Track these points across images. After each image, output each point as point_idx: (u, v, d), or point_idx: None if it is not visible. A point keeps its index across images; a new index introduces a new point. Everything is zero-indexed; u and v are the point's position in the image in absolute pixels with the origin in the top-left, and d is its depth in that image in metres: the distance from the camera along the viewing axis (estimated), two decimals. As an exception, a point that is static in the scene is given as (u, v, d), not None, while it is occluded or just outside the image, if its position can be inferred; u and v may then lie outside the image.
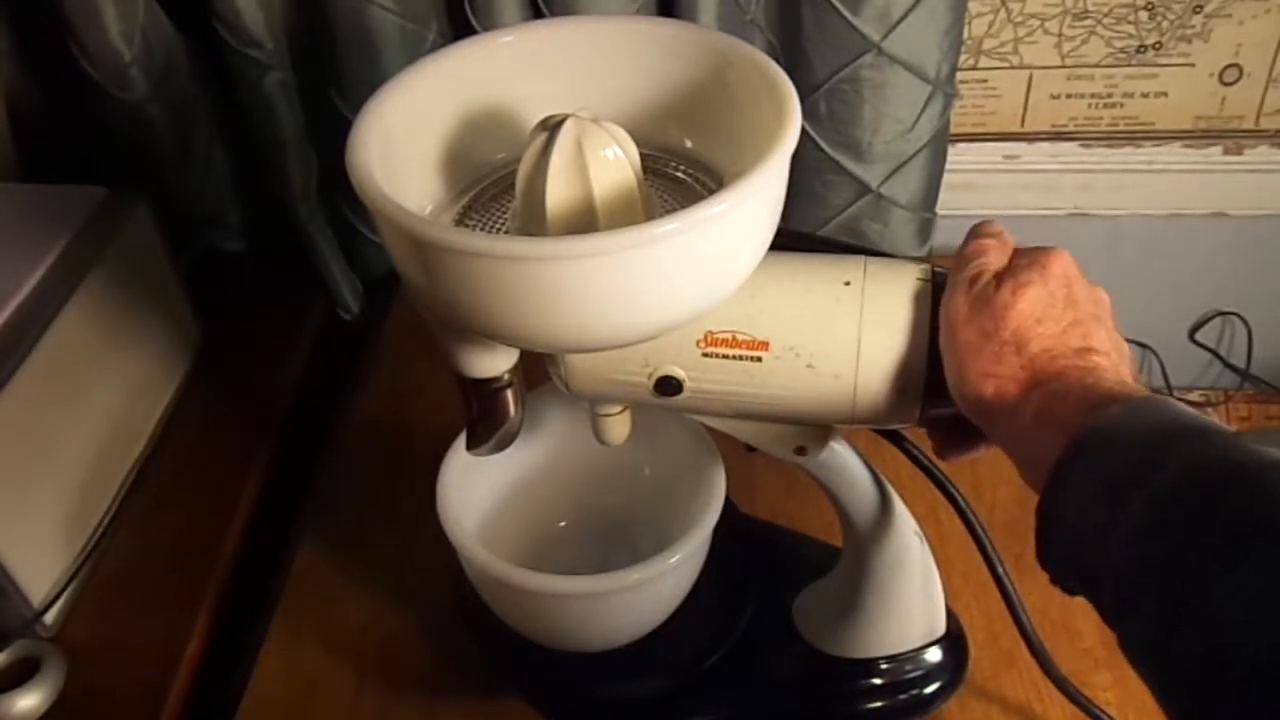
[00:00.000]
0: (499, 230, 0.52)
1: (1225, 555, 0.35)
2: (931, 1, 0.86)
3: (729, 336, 0.51)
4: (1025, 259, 0.48)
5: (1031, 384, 0.45)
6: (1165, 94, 1.03)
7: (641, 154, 0.48)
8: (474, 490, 0.64)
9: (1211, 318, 1.16)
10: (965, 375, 0.47)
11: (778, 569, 0.71)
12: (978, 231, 0.51)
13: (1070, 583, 0.42)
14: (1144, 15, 0.98)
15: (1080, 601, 0.42)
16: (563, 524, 0.73)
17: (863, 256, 0.52)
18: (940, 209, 1.00)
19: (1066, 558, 0.42)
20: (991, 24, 0.99)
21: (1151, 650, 0.37)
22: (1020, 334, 0.46)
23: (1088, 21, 0.99)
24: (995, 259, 0.49)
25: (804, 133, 0.76)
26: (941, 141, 0.96)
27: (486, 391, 0.54)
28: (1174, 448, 0.38)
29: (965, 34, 0.97)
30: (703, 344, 0.51)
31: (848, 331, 0.50)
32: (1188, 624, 0.35)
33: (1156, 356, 1.17)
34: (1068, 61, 1.01)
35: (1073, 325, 0.47)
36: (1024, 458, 0.45)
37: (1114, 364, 0.46)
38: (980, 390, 0.46)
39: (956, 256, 0.50)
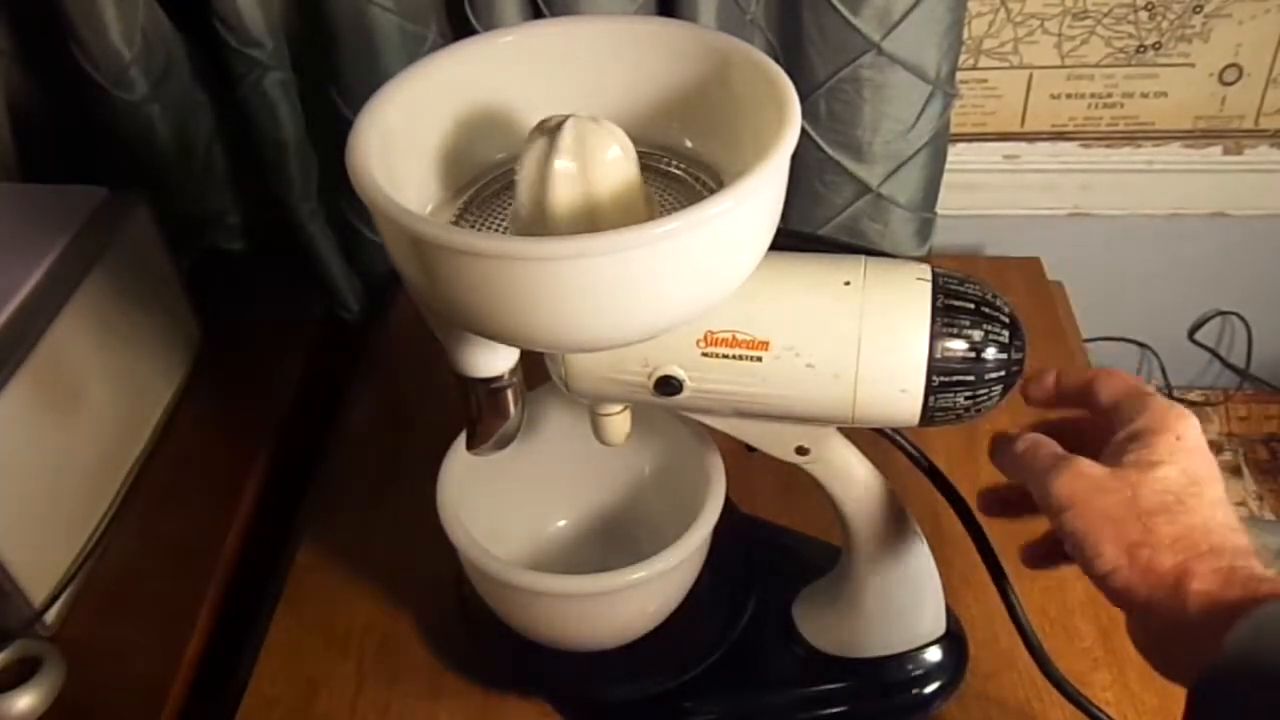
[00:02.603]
0: (499, 230, 0.52)
1: None
2: (931, 1, 0.86)
3: (729, 336, 0.51)
4: (1150, 423, 0.47)
5: (1188, 559, 0.43)
6: (1165, 94, 1.03)
7: (641, 153, 0.48)
8: (474, 490, 0.64)
9: (1211, 317, 1.16)
10: (1106, 549, 0.45)
11: (778, 569, 0.71)
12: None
13: None
14: (1144, 15, 0.98)
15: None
16: (563, 524, 0.73)
17: (863, 256, 0.52)
18: (940, 209, 1.00)
19: None
20: (991, 24, 0.99)
21: None
22: (1170, 504, 0.44)
23: (1087, 21, 0.99)
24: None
25: (804, 133, 0.76)
26: (941, 141, 0.96)
27: (486, 391, 0.54)
28: None
29: (965, 34, 0.97)
30: (703, 344, 0.51)
31: (848, 331, 0.50)
32: None
33: (1156, 356, 1.17)
34: (1068, 61, 1.01)
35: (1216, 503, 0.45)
36: (1176, 638, 0.43)
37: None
38: (1135, 566, 0.44)
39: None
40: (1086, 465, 0.47)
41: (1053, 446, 0.49)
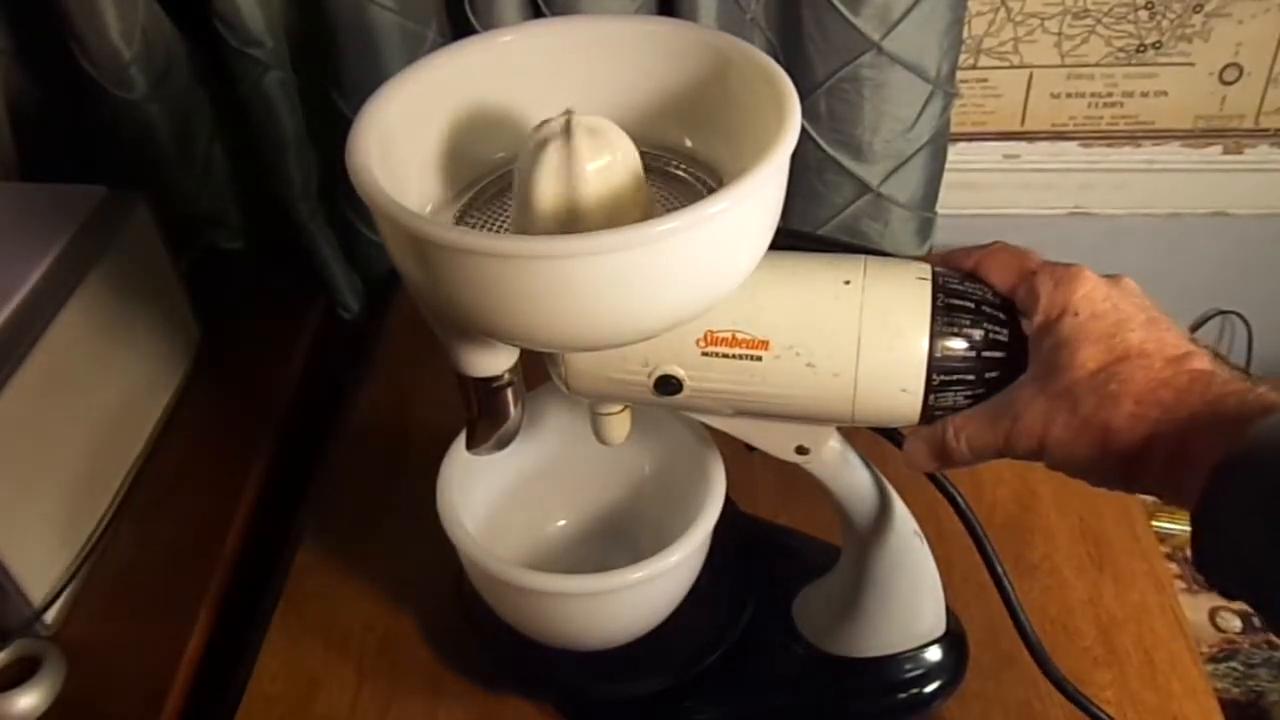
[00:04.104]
0: (499, 229, 0.52)
1: None
2: (931, 1, 0.86)
3: (729, 335, 0.51)
4: (1051, 297, 0.48)
5: (1156, 421, 0.44)
6: (1165, 93, 1.03)
7: (641, 153, 0.48)
8: (474, 490, 0.64)
9: (1211, 317, 1.17)
10: (1081, 441, 0.46)
11: (778, 569, 0.71)
12: None
13: (1235, 590, 0.41)
14: (1144, 14, 0.98)
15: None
16: (563, 523, 0.73)
17: (863, 256, 0.52)
18: (940, 208, 1.00)
19: (1228, 567, 0.41)
20: (991, 23, 0.99)
21: None
22: (1113, 376, 0.45)
23: (1087, 21, 0.99)
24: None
25: (804, 132, 0.76)
26: (941, 141, 0.96)
27: (486, 390, 0.54)
28: None
29: (965, 33, 0.97)
30: (703, 343, 0.51)
31: (848, 331, 0.50)
32: None
33: (1156, 356, 1.17)
34: (1068, 61, 1.01)
35: (1147, 331, 0.46)
36: (1171, 494, 0.44)
37: (1211, 360, 0.45)
38: (1110, 442, 0.45)
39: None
40: (1024, 416, 0.47)
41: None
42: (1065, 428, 0.46)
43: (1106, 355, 0.46)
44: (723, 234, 0.44)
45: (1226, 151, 1.05)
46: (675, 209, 0.42)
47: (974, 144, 1.06)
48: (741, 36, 0.54)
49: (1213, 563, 0.42)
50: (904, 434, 0.54)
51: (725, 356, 0.51)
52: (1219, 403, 0.43)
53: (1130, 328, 0.47)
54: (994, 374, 0.50)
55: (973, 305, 0.50)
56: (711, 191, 0.44)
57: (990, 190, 1.09)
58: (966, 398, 0.50)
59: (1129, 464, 0.45)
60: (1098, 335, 0.46)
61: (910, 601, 0.64)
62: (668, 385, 0.52)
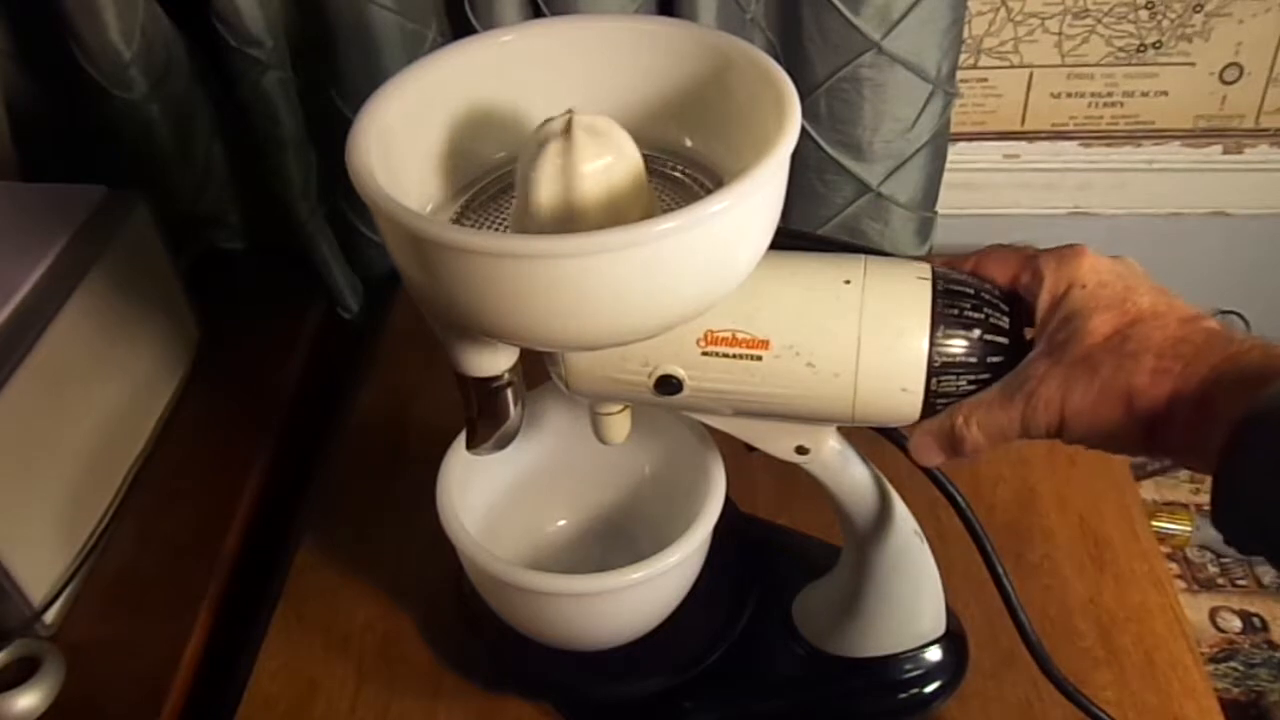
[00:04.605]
0: (499, 229, 0.52)
1: None
2: (931, 1, 0.86)
3: (729, 335, 0.51)
4: (1054, 282, 0.48)
5: (1180, 375, 0.44)
6: (1165, 93, 1.03)
7: (641, 153, 0.48)
8: (474, 490, 0.64)
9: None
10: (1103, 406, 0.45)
11: (778, 569, 0.71)
12: None
13: (1252, 546, 0.41)
14: (1144, 14, 0.98)
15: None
16: (563, 523, 0.73)
17: (863, 255, 0.52)
18: (940, 208, 1.00)
19: (1246, 522, 0.41)
20: (991, 23, 0.99)
21: None
22: (1129, 338, 0.45)
23: (1088, 20, 0.99)
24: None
25: (804, 132, 0.76)
26: (942, 140, 0.96)
27: (486, 390, 0.54)
28: None
29: (965, 33, 0.97)
30: (703, 343, 0.51)
31: (848, 331, 0.50)
32: None
33: (1156, 356, 1.17)
34: (1068, 60, 1.01)
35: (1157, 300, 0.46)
36: (1192, 452, 0.44)
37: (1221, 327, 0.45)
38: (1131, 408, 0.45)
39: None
40: (1040, 391, 0.47)
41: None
42: (1085, 395, 0.46)
43: (1120, 319, 0.46)
44: (723, 234, 0.44)
45: (1226, 151, 1.05)
46: (675, 209, 0.42)
47: (974, 144, 1.06)
48: (741, 36, 0.54)
49: (1230, 518, 0.41)
50: (905, 433, 0.54)
51: (725, 356, 0.51)
52: (1241, 357, 0.43)
53: (1140, 293, 0.47)
54: (994, 374, 0.50)
55: (973, 305, 0.50)
56: (709, 193, 0.44)
57: (990, 190, 1.09)
58: (966, 397, 0.50)
59: (1152, 425, 0.45)
60: (1108, 302, 0.46)
61: (910, 601, 0.64)
62: (668, 385, 0.52)
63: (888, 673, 0.66)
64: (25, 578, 0.71)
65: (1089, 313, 0.46)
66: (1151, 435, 0.45)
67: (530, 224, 0.47)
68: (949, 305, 0.50)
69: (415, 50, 0.89)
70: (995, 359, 0.50)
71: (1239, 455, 0.40)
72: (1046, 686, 0.61)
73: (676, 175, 0.54)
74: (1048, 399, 0.47)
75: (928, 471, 0.57)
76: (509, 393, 0.55)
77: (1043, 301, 0.49)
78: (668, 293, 0.45)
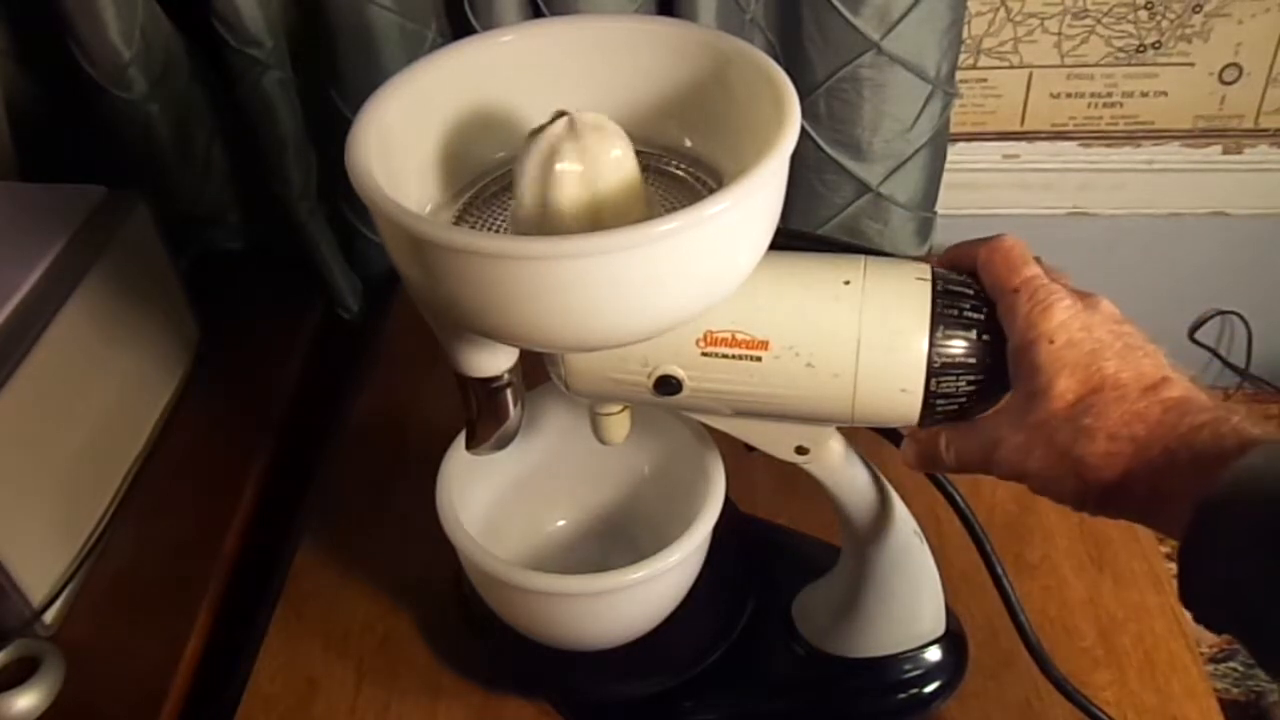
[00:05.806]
0: (498, 230, 0.52)
1: None
2: (931, 1, 0.86)
3: (729, 336, 0.51)
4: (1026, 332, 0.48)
5: (1130, 456, 0.44)
6: (1165, 93, 1.03)
7: (641, 153, 0.48)
8: (474, 490, 0.64)
9: (1211, 317, 1.17)
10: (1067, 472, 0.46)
11: (778, 569, 0.71)
12: None
13: (1222, 627, 0.41)
14: (1144, 14, 0.98)
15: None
16: (563, 524, 0.73)
17: (862, 256, 0.52)
18: (940, 208, 1.00)
19: (1214, 606, 0.41)
20: (991, 23, 0.99)
21: None
22: (1088, 409, 0.45)
23: (1087, 21, 0.99)
24: None
25: (804, 132, 0.76)
26: (941, 141, 0.96)
27: (486, 391, 0.54)
28: None
29: (965, 33, 0.97)
30: (703, 343, 0.51)
31: (847, 331, 0.50)
32: None
33: (1156, 356, 1.17)
34: (1067, 61, 1.01)
35: (1121, 365, 0.46)
36: (1150, 523, 0.45)
37: (1187, 386, 0.45)
38: (1092, 476, 0.45)
39: None
40: (1003, 446, 0.48)
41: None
42: (1043, 460, 0.47)
43: (1082, 386, 0.46)
44: (723, 234, 0.44)
45: (1226, 151, 1.05)
46: (675, 209, 0.42)
47: (974, 144, 1.06)
48: (741, 36, 0.54)
49: (1198, 601, 0.42)
50: (904, 433, 0.54)
51: (725, 357, 0.51)
52: (1192, 436, 0.43)
53: (1106, 356, 0.46)
54: (994, 375, 0.50)
55: (973, 305, 0.50)
56: (711, 192, 0.44)
57: (990, 190, 1.09)
58: (965, 398, 0.50)
59: (1109, 497, 0.45)
60: (1074, 363, 0.46)
61: (910, 601, 0.64)
62: (668, 385, 0.52)
63: (887, 673, 0.66)
64: (25, 578, 0.71)
65: (1055, 373, 0.46)
66: (1106, 506, 0.46)
67: (529, 225, 0.47)
68: (949, 306, 0.50)
69: (415, 50, 0.89)
70: (995, 359, 0.50)
71: (1202, 542, 0.41)
72: (1046, 686, 0.61)
73: (677, 173, 0.54)
74: (1009, 456, 0.48)
75: (928, 472, 0.57)
76: (509, 393, 0.55)
77: (1011, 343, 0.49)
78: (667, 293, 0.45)
